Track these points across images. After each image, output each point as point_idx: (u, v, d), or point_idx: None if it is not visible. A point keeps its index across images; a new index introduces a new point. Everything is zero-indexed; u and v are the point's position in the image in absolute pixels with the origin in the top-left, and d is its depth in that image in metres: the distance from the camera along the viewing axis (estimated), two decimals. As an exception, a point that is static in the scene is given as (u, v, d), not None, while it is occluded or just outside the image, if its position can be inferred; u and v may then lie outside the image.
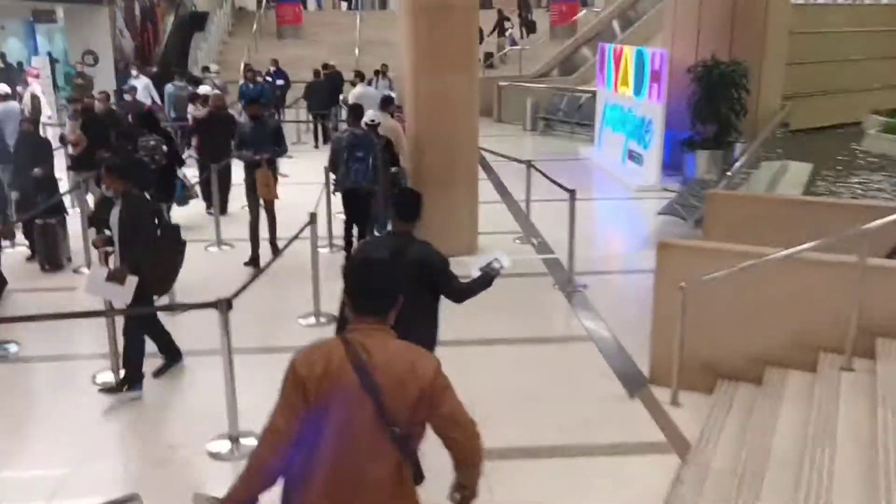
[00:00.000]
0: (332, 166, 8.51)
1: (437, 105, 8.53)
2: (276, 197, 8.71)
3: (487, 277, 4.39)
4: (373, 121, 8.49)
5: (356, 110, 8.82)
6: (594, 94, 17.77)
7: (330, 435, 2.43)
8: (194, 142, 11.55)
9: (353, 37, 25.24)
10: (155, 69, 20.72)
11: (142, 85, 15.24)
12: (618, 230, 10.62)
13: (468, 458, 2.63)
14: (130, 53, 23.77)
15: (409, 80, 8.72)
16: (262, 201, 8.59)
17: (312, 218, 7.07)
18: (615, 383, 5.85)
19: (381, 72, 17.64)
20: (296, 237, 6.96)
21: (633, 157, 13.26)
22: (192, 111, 12.38)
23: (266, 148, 8.52)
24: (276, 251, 8.19)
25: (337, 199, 8.98)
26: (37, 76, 14.70)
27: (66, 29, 22.42)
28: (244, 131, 8.77)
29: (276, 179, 8.80)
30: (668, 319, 5.47)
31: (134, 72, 16.08)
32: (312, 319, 7.12)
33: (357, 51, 23.94)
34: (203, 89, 13.53)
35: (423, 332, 3.90)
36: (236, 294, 5.49)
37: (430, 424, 2.55)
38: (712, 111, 12.04)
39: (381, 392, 2.41)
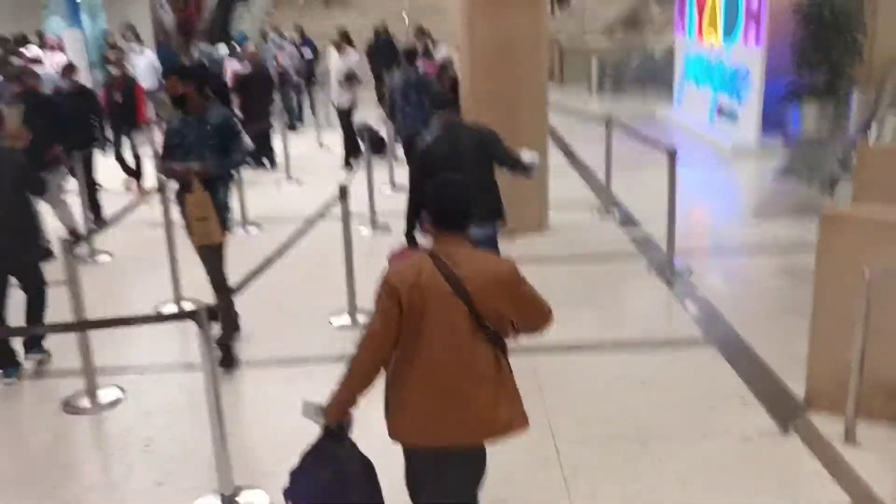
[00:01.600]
0: (390, 116, 8.66)
1: (498, 52, 6.92)
2: (219, 240, 4.93)
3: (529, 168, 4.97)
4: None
5: (410, 54, 8.90)
6: (670, 48, 15.96)
7: (430, 338, 2.63)
8: (237, 101, 10.77)
9: (404, 4, 23.65)
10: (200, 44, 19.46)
11: (144, 62, 12.97)
12: (718, 200, 8.83)
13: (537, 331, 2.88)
14: (172, 28, 22.71)
15: (462, 23, 7.13)
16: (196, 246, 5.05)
17: (343, 192, 5.58)
18: (758, 410, 4.23)
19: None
20: (320, 215, 5.51)
21: (723, 113, 11.42)
22: (233, 68, 12.05)
23: (203, 154, 4.81)
24: (226, 339, 5.05)
25: (382, 171, 7.51)
26: (57, 48, 13.52)
27: (104, 4, 21.40)
28: (171, 128, 5.07)
29: (222, 209, 4.92)
30: (838, 321, 3.83)
31: (137, 47, 13.89)
32: (346, 319, 5.66)
33: (407, 19, 22.33)
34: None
35: (491, 198, 4.82)
36: (241, 285, 4.09)
37: (514, 316, 2.71)
38: (823, 56, 10.10)
39: (471, 297, 2.60)
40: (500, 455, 3.11)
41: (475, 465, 2.84)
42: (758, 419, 4.13)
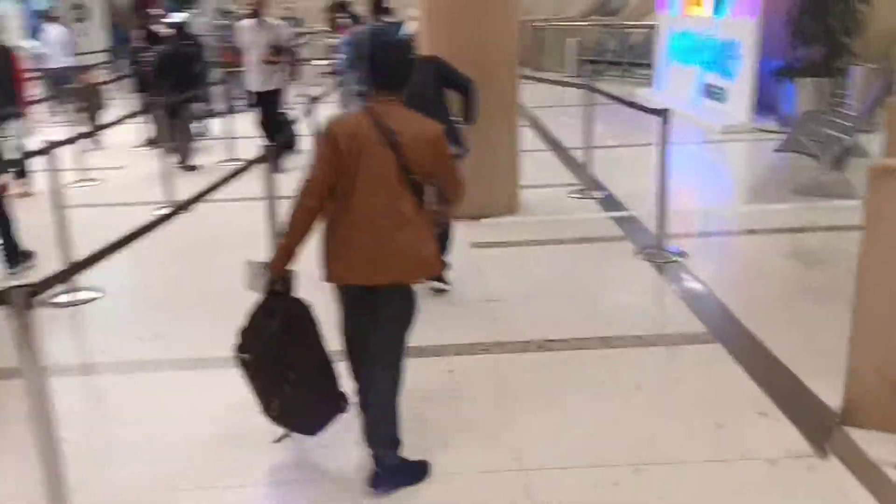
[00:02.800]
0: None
1: (460, 3, 5.97)
2: None
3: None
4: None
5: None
6: (650, 28, 15.13)
7: (364, 181, 2.86)
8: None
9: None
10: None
11: (51, 37, 11.63)
12: (710, 179, 7.96)
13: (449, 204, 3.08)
14: (128, 8, 21.51)
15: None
16: None
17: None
18: (782, 424, 3.31)
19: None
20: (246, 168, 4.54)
21: (711, 93, 10.57)
22: None
23: None
24: None
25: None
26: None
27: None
28: None
29: None
30: (891, 307, 2.94)
31: (45, 24, 12.25)
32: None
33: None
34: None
35: (451, 129, 4.31)
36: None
37: (436, 176, 2.94)
38: (821, 28, 9.27)
39: (402, 148, 2.86)
40: (455, 491, 2.90)
41: (404, 304, 3.03)
42: (783, 436, 3.21)
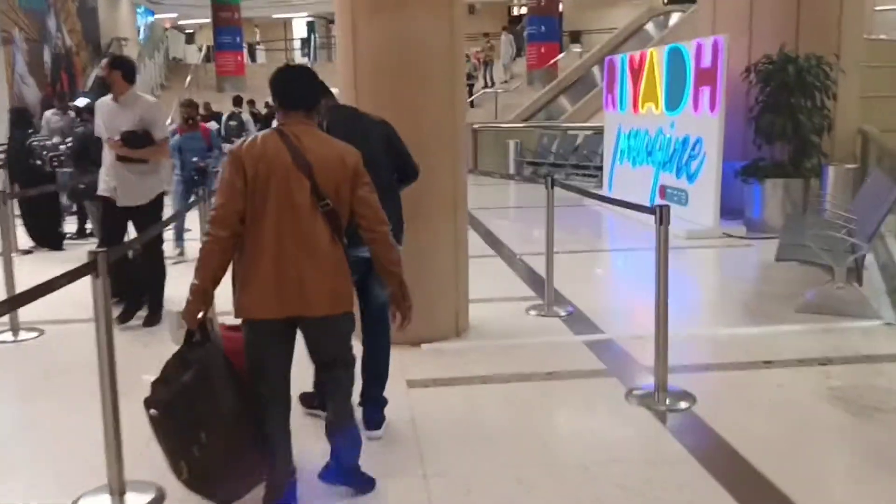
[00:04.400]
0: None
1: (391, 70, 4.77)
2: None
3: None
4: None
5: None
6: (595, 129, 14.43)
7: (274, 206, 2.67)
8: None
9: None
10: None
11: None
12: (692, 294, 6.72)
13: (376, 243, 2.90)
14: (36, 104, 19.98)
15: (340, 31, 4.97)
16: None
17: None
18: None
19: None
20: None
21: (669, 195, 9.60)
22: None
23: None
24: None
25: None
26: None
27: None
28: None
29: None
30: None
31: None
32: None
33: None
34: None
35: (396, 207, 3.71)
36: None
37: (352, 205, 2.82)
38: (790, 123, 8.46)
39: (313, 170, 2.69)
40: None
41: (324, 331, 2.85)
42: None
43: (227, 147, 7.92)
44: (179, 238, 7.94)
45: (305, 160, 2.69)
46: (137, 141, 5.27)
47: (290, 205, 2.68)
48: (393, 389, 3.98)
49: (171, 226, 7.08)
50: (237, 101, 14.87)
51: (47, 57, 20.86)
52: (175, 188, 7.82)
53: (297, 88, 2.84)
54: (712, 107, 8.52)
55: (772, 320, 5.41)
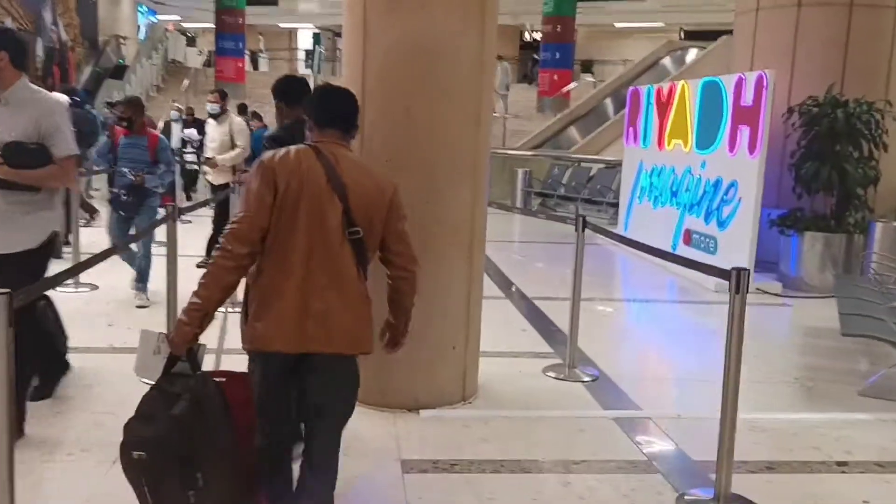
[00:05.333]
0: None
1: (410, 78, 3.92)
2: None
3: None
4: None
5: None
6: (610, 163, 13.69)
7: (304, 229, 2.45)
8: None
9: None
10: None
11: None
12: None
13: (405, 283, 2.71)
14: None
15: (348, 32, 4.12)
16: None
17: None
18: None
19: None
20: None
21: (693, 240, 8.78)
22: None
23: None
24: None
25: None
26: None
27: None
28: None
29: None
30: None
31: None
32: None
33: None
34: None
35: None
36: None
37: (384, 238, 2.62)
38: (835, 174, 7.66)
39: (348, 194, 2.47)
40: None
41: (339, 374, 2.61)
42: None
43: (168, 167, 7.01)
44: (142, 280, 6.14)
45: (341, 182, 2.48)
46: (26, 157, 3.44)
47: (320, 228, 2.47)
48: (383, 472, 3.12)
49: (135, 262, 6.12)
50: (242, 110, 14.02)
51: (40, 50, 20.05)
52: (110, 212, 6.32)
53: (338, 106, 2.67)
54: (752, 149, 7.71)
55: (835, 405, 4.56)
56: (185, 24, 31.76)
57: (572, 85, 21.63)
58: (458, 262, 4.08)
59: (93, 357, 4.72)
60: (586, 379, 4.73)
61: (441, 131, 3.95)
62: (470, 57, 3.97)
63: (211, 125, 7.86)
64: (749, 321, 5.22)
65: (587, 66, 27.75)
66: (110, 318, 5.76)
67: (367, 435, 3.75)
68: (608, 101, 19.53)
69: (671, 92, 9.59)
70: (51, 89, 17.41)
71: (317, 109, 2.67)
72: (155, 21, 28.62)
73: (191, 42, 30.95)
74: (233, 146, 7.62)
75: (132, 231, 6.04)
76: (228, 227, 2.47)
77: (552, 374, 4.80)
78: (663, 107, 9.76)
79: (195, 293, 2.41)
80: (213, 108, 7.68)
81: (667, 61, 21.04)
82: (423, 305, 3.96)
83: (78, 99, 9.49)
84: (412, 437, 3.75)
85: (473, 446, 3.71)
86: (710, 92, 8.62)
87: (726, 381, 3.20)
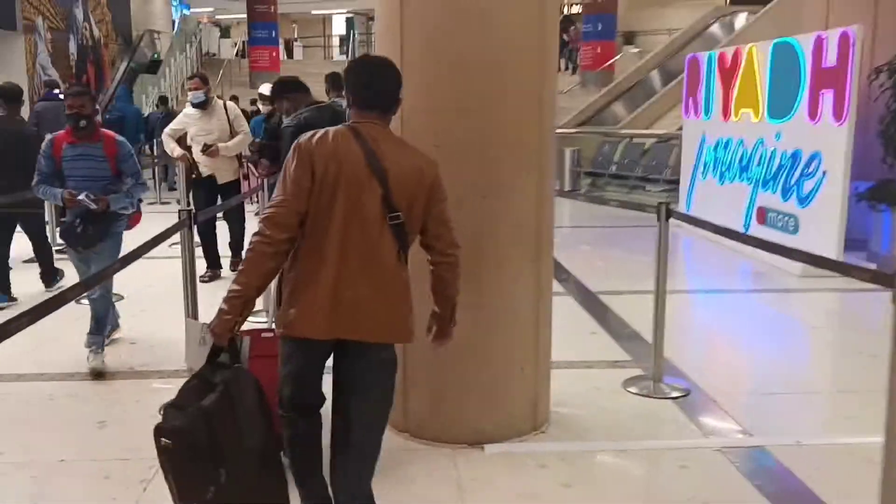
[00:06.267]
0: None
1: (458, 53, 3.23)
2: None
3: None
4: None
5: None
6: (663, 136, 12.85)
7: (341, 215, 2.38)
8: None
9: (339, 85, 20.47)
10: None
11: None
12: (845, 376, 4.95)
13: (447, 268, 2.57)
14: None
15: (383, 2, 3.46)
16: None
17: None
18: None
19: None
20: None
21: (769, 219, 7.96)
22: None
23: None
24: None
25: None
26: None
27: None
28: None
29: None
30: None
31: None
32: None
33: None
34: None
35: None
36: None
37: (425, 223, 2.51)
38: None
39: (388, 177, 2.38)
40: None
41: (372, 361, 2.50)
42: None
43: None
44: (99, 331, 4.52)
45: (380, 165, 2.40)
46: None
47: (358, 213, 2.39)
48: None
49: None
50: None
51: (73, 48, 19.80)
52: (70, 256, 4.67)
53: (377, 84, 2.52)
54: (837, 115, 6.86)
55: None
56: (218, 17, 31.42)
57: (617, 57, 20.66)
58: (523, 266, 3.41)
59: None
60: (676, 395, 4.04)
61: (496, 114, 3.27)
62: (528, 25, 3.27)
63: (192, 115, 6.51)
64: (850, 313, 4.26)
65: (629, 38, 26.64)
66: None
67: (422, 478, 3.14)
68: (655, 74, 18.57)
69: (737, 57, 8.73)
70: (86, 87, 17.13)
71: (354, 88, 2.51)
72: (188, 14, 28.28)
73: (224, 34, 30.62)
74: (232, 134, 6.57)
75: (91, 269, 4.42)
76: (265, 211, 2.40)
77: (635, 390, 4.11)
78: (728, 74, 8.91)
79: (234, 281, 2.36)
80: (197, 95, 6.40)
81: (715, 28, 19.94)
82: (483, 320, 3.35)
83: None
84: (477, 482, 3.12)
85: (553, 492, 3.06)
86: (783, 54, 7.76)
87: (893, 402, 2.48)
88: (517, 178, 3.33)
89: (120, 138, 4.61)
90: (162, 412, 2.36)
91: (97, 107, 8.70)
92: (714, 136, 9.32)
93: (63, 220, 4.65)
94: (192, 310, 3.81)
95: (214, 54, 26.53)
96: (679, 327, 5.27)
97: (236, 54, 26.66)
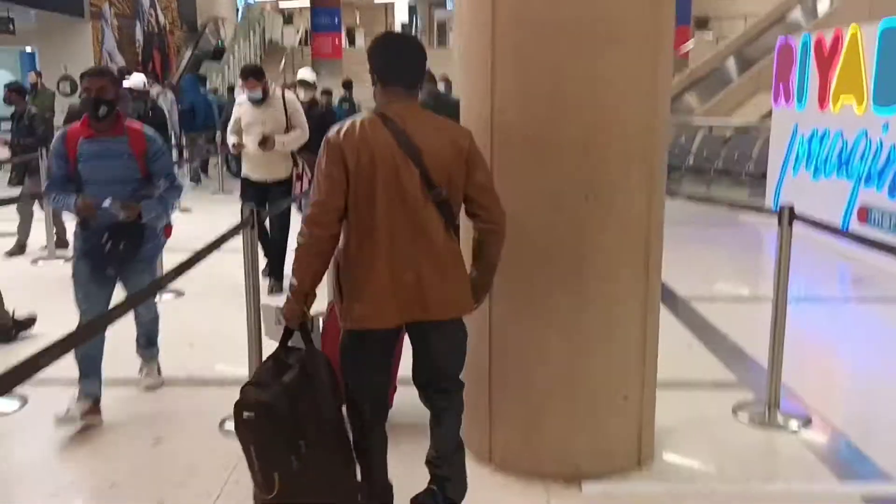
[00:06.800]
0: None
1: (557, 22, 2.77)
2: None
3: None
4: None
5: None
6: (747, 127, 12.14)
7: (384, 202, 2.38)
8: None
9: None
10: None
11: None
12: None
13: (492, 235, 2.55)
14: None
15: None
16: None
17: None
18: None
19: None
20: None
21: (872, 218, 7.29)
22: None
23: None
24: None
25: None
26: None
27: (39, 48, 17.82)
28: None
29: None
30: None
31: None
32: None
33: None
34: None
35: None
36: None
37: (466, 192, 2.50)
38: None
39: (423, 156, 2.39)
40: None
41: (445, 337, 2.55)
42: None
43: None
44: (151, 344, 4.06)
45: (413, 145, 2.37)
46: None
47: (400, 197, 2.38)
48: None
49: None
50: (347, 85, 14.20)
51: (139, 35, 19.89)
52: (76, 269, 3.63)
53: (402, 59, 2.49)
54: (960, 104, 6.17)
55: None
56: (282, 5, 31.42)
57: (690, 44, 19.79)
58: (629, 280, 2.95)
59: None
60: (794, 426, 3.52)
61: (605, 99, 2.80)
62: (645, 29, 2.80)
63: (246, 106, 5.96)
64: None
65: (702, 23, 25.61)
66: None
67: (513, 522, 2.72)
68: (731, 61, 17.70)
69: (837, 40, 8.02)
70: (151, 74, 17.07)
71: (378, 64, 2.49)
72: (252, 2, 28.31)
73: (287, 21, 30.60)
74: (288, 129, 5.90)
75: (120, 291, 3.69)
76: (305, 211, 2.43)
77: (747, 418, 3.61)
78: (826, 59, 8.20)
79: (292, 274, 2.45)
80: (254, 94, 5.85)
81: (797, 13, 18.94)
82: (581, 340, 2.91)
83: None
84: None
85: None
86: (893, 38, 7.05)
87: None
88: (625, 179, 2.87)
89: (149, 131, 3.71)
90: (241, 391, 2.48)
91: (130, 92, 8.26)
92: (808, 127, 8.62)
93: (83, 232, 3.60)
94: (255, 310, 3.45)
95: (277, 42, 26.49)
96: (786, 341, 4.72)
97: (299, 42, 26.58)
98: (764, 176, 10.56)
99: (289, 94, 6.19)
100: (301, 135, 5.96)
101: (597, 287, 2.89)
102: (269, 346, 2.72)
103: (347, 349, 2.56)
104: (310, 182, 5.76)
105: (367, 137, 2.37)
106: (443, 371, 2.60)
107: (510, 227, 2.58)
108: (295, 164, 6.02)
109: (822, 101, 8.30)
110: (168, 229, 3.95)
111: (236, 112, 6.07)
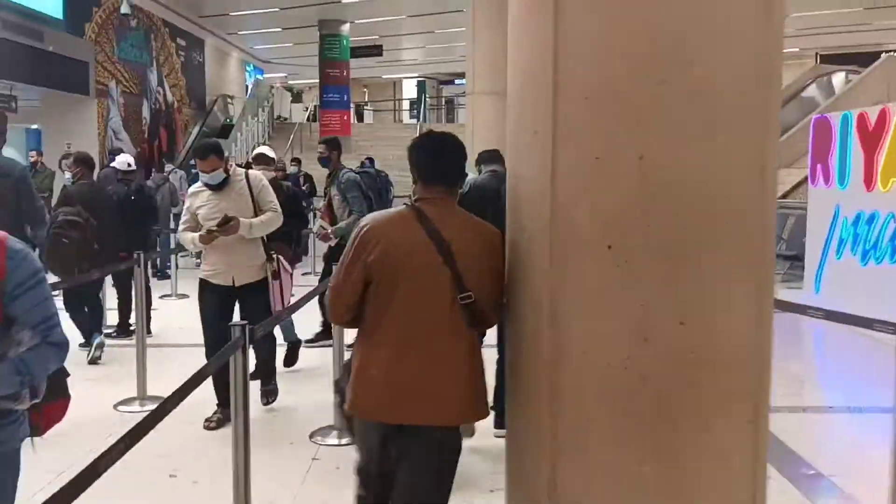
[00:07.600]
0: None
1: (644, 89, 2.13)
2: None
3: None
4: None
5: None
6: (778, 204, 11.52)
7: (405, 296, 2.35)
8: None
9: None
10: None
11: None
12: None
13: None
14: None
15: (524, 9, 2.41)
16: None
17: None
18: None
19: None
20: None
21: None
22: None
23: None
24: None
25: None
26: None
27: (43, 126, 17.55)
28: None
29: None
30: None
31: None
32: None
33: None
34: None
35: None
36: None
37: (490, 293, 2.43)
38: None
39: (455, 257, 2.37)
40: None
41: (441, 444, 2.46)
42: None
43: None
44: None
45: (447, 246, 2.34)
46: None
47: (423, 296, 2.35)
48: None
49: None
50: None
51: (146, 112, 19.70)
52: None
53: (445, 160, 2.53)
54: None
55: None
56: (291, 82, 31.61)
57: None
58: (732, 431, 2.24)
59: None
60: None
61: (700, 176, 2.15)
62: (748, 50, 2.18)
63: (201, 193, 4.82)
64: None
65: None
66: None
67: None
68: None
69: (884, 117, 7.51)
70: (155, 156, 16.64)
71: (420, 163, 2.53)
72: (261, 79, 28.41)
73: (296, 98, 30.72)
74: (256, 213, 4.79)
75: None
76: (328, 296, 2.49)
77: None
78: (872, 137, 7.67)
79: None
80: (215, 176, 4.69)
81: (812, 89, 18.75)
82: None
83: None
84: None
85: None
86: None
87: None
88: (729, 293, 2.20)
89: (16, 244, 2.09)
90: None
91: (115, 172, 7.51)
92: (853, 209, 8.03)
93: None
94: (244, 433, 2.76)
95: (286, 118, 26.45)
96: (860, 460, 3.99)
97: (307, 118, 26.54)
98: (796, 257, 9.97)
99: (252, 172, 5.08)
100: (275, 217, 4.83)
101: (694, 441, 2.19)
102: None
103: (354, 428, 2.64)
104: (290, 282, 4.91)
105: (398, 231, 2.38)
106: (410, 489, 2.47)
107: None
108: (269, 258, 4.84)
109: (869, 181, 7.74)
110: (51, 410, 2.25)
111: (190, 202, 4.81)
